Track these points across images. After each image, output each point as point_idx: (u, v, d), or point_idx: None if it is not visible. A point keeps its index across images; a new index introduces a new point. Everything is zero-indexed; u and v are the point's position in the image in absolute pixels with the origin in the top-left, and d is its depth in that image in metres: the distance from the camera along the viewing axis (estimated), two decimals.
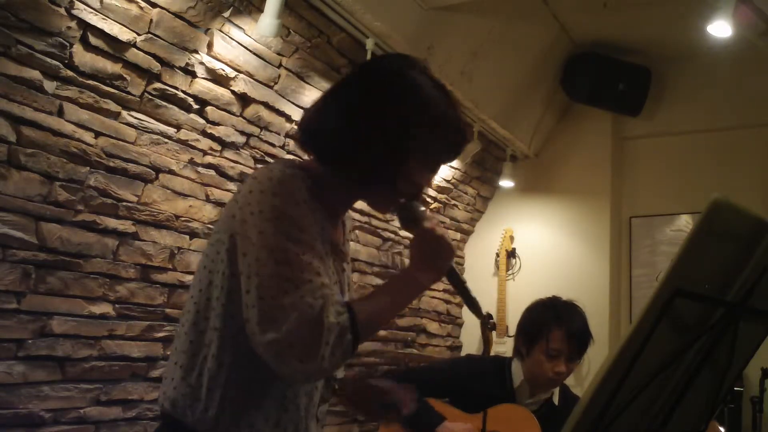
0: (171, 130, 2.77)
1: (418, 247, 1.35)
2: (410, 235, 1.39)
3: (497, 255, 4.99)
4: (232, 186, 3.06)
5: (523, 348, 2.55)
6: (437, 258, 1.34)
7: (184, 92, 2.76)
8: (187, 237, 2.89)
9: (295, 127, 3.17)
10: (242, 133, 3.07)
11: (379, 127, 1.31)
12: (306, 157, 1.43)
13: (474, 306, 1.42)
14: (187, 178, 2.87)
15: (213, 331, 1.29)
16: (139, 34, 2.52)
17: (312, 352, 1.15)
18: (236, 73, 2.94)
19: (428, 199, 4.50)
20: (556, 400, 2.60)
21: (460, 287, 1.42)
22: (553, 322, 2.49)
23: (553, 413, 2.54)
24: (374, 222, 4.10)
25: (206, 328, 1.30)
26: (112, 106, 2.53)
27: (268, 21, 2.77)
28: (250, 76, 3.00)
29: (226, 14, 2.78)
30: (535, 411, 2.52)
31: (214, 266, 1.31)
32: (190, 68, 2.74)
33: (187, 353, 1.32)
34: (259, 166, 3.20)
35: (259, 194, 1.25)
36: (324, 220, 1.32)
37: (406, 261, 4.67)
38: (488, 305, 4.92)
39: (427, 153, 1.35)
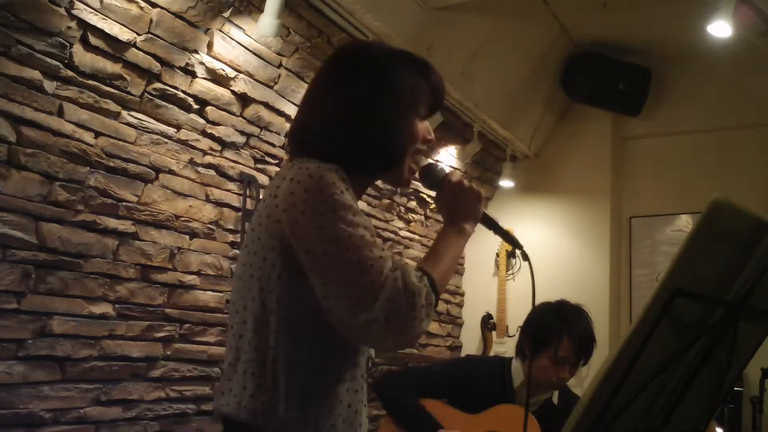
0: (171, 130, 2.77)
1: (452, 201, 1.44)
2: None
3: (497, 255, 4.99)
4: (232, 186, 3.06)
5: (529, 350, 2.54)
6: (472, 205, 1.44)
7: (184, 92, 2.76)
8: (187, 237, 2.89)
9: None
10: (242, 133, 3.07)
11: (361, 106, 1.37)
12: None
13: (513, 241, 1.56)
14: (187, 178, 2.87)
15: (279, 334, 1.30)
16: (139, 34, 2.52)
17: (410, 319, 1.21)
18: (236, 73, 2.94)
19: (428, 199, 4.50)
20: (555, 399, 2.60)
21: (495, 228, 1.54)
22: (563, 330, 2.47)
23: (553, 413, 2.54)
24: (374, 222, 4.10)
25: (269, 333, 1.31)
26: (112, 106, 2.53)
27: (268, 21, 2.77)
28: (250, 76, 3.00)
29: (226, 14, 2.78)
30: (535, 411, 2.52)
31: (263, 272, 1.31)
32: (190, 68, 2.74)
33: (255, 361, 1.31)
34: (259, 166, 3.20)
35: (303, 193, 1.26)
36: None
37: (406, 261, 4.67)
38: (488, 305, 4.92)
39: (413, 106, 1.40)
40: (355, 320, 1.21)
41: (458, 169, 4.62)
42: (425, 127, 1.43)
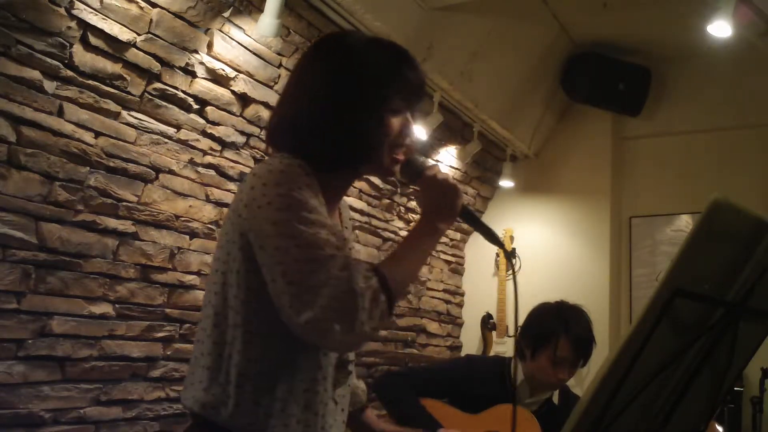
0: (171, 130, 2.77)
1: (427, 195, 1.39)
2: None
3: (497, 255, 4.99)
4: (232, 186, 3.06)
5: (528, 351, 2.54)
6: (447, 200, 1.37)
7: (184, 92, 2.76)
8: (187, 237, 2.89)
9: None
10: (242, 133, 3.07)
11: (329, 103, 1.35)
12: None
13: (494, 238, 1.45)
14: (187, 178, 2.87)
15: (235, 328, 1.31)
16: (139, 34, 2.52)
17: (350, 321, 1.18)
18: (236, 73, 2.94)
19: None
20: (555, 399, 2.60)
21: (476, 223, 1.45)
22: (562, 330, 2.47)
23: (553, 413, 2.54)
24: (374, 222, 4.10)
25: (227, 327, 1.32)
26: (112, 106, 2.53)
27: (268, 21, 2.77)
28: (250, 76, 3.00)
29: (226, 14, 2.78)
30: (535, 411, 2.53)
31: (227, 267, 1.33)
32: (190, 68, 2.74)
33: (212, 354, 1.33)
34: None
35: (262, 187, 1.27)
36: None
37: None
38: (488, 305, 4.92)
39: (383, 102, 1.37)
40: (298, 318, 1.19)
41: (458, 169, 4.62)
42: (401, 121, 1.39)
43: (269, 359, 1.30)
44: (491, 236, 1.44)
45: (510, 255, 1.30)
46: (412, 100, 1.41)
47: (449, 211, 1.37)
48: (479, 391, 2.57)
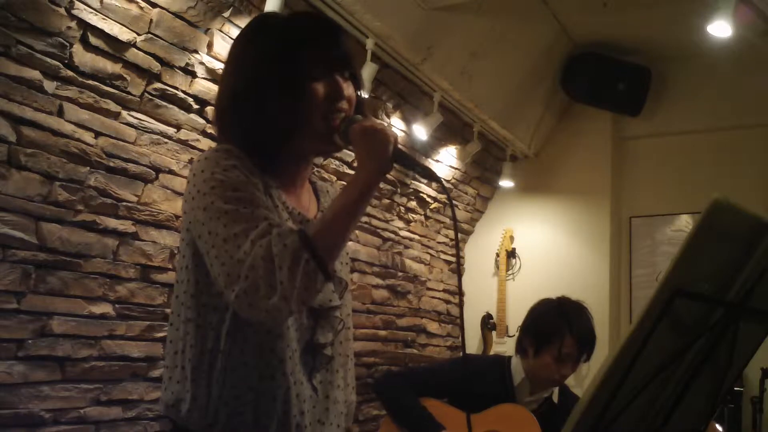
0: (171, 130, 2.77)
1: (358, 147, 1.29)
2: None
3: (497, 255, 4.99)
4: None
5: (531, 348, 2.54)
6: (376, 144, 1.27)
7: (184, 92, 2.76)
8: None
9: None
10: None
11: (247, 86, 1.34)
12: None
13: (430, 174, 1.33)
14: (187, 178, 2.86)
15: (187, 323, 1.32)
16: (139, 34, 2.51)
17: (271, 284, 1.14)
18: None
19: (428, 199, 4.50)
20: (555, 398, 2.60)
21: (411, 162, 1.33)
22: (566, 328, 2.48)
23: (553, 412, 2.54)
24: (374, 222, 4.10)
25: (179, 324, 1.33)
26: (112, 106, 2.53)
27: None
28: None
29: (226, 14, 2.78)
30: (535, 410, 2.53)
31: (179, 264, 1.35)
32: (190, 68, 2.74)
33: (169, 353, 1.35)
34: None
35: (192, 179, 1.30)
36: (273, 187, 1.34)
37: (407, 261, 4.65)
38: (488, 305, 4.92)
39: (299, 72, 1.33)
40: (230, 296, 1.18)
41: (458, 169, 4.62)
42: (325, 86, 1.33)
43: (220, 350, 1.29)
44: (427, 173, 1.33)
45: (445, 188, 1.23)
46: (334, 65, 1.35)
47: (380, 155, 1.26)
48: (479, 391, 2.57)
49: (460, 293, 1.31)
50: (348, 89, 1.36)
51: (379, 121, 1.36)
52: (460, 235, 5.04)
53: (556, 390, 2.62)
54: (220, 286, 1.22)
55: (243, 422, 1.29)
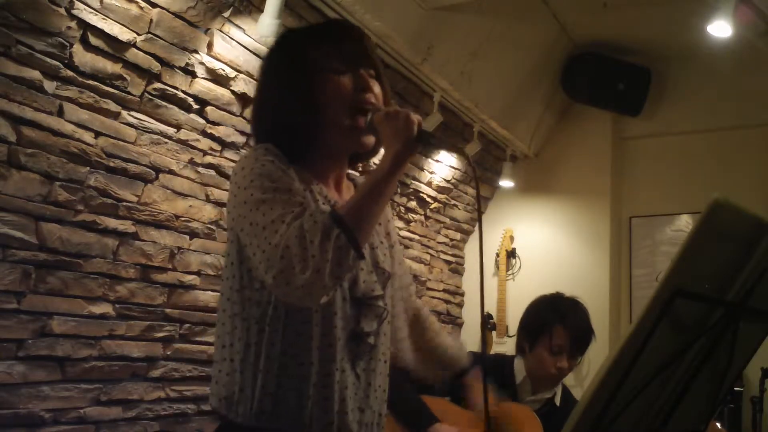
0: (171, 130, 2.77)
1: (383, 132, 1.34)
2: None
3: (497, 255, 4.99)
4: None
5: (526, 344, 2.56)
6: (397, 127, 1.31)
7: (184, 92, 2.76)
8: (187, 237, 2.89)
9: None
10: (242, 133, 3.07)
11: (277, 89, 1.44)
12: None
13: (455, 147, 1.48)
14: (187, 178, 2.87)
15: (233, 318, 1.35)
16: (139, 34, 2.51)
17: (303, 259, 1.16)
18: (236, 73, 2.93)
19: (428, 199, 4.50)
20: (558, 400, 2.60)
21: (437, 141, 1.38)
22: (556, 318, 2.50)
23: (555, 414, 2.54)
24: None
25: (226, 319, 1.37)
26: (112, 106, 2.53)
27: (268, 21, 2.77)
28: (250, 76, 3.00)
29: (226, 14, 2.78)
30: (537, 410, 2.53)
31: (226, 261, 1.39)
32: (190, 68, 2.74)
33: (217, 348, 1.38)
34: None
35: (233, 177, 1.35)
36: (313, 183, 1.40)
37: (406, 261, 4.67)
38: (488, 305, 4.92)
39: (324, 69, 1.40)
40: (269, 279, 1.20)
41: (458, 169, 4.62)
42: (349, 79, 1.40)
43: (271, 343, 1.32)
44: (455, 148, 1.61)
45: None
46: (358, 61, 1.42)
47: (405, 136, 1.30)
48: None
49: (481, 266, 1.33)
50: (375, 86, 1.43)
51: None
52: (460, 235, 5.04)
53: (559, 392, 2.62)
54: (260, 274, 1.24)
55: (287, 410, 1.32)
